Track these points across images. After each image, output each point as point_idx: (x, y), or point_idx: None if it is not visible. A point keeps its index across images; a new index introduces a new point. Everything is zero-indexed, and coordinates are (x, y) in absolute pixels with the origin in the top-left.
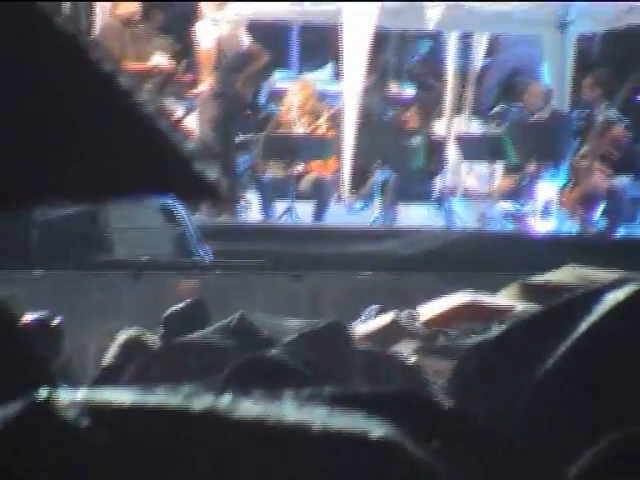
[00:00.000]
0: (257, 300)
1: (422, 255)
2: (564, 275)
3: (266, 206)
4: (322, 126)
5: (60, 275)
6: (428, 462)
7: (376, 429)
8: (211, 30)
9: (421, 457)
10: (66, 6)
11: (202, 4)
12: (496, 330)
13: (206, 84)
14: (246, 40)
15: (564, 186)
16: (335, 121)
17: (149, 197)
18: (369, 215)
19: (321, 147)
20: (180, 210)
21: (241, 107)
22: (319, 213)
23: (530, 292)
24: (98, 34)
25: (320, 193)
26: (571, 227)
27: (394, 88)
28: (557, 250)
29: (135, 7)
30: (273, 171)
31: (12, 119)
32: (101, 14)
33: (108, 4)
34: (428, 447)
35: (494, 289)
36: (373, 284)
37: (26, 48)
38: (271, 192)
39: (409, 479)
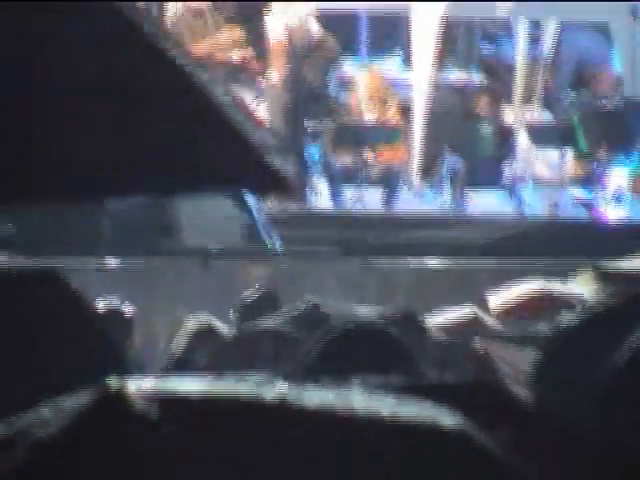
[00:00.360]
0: (327, 287)
1: (493, 242)
2: (638, 263)
3: (336, 193)
4: (391, 113)
5: (131, 263)
6: (499, 453)
7: (446, 419)
8: (281, 20)
9: (492, 448)
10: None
11: None
12: (568, 319)
13: (276, 73)
14: (315, 29)
15: (635, 173)
16: (404, 108)
17: (221, 187)
18: (439, 202)
19: (390, 134)
20: (250, 197)
21: (310, 95)
22: (389, 200)
23: (604, 280)
24: (170, 25)
25: (389, 180)
26: None
27: (464, 75)
28: (629, 237)
29: None
30: (343, 158)
31: (88, 110)
32: (173, 6)
33: None
34: (499, 438)
35: (566, 277)
36: (443, 271)
37: (101, 40)
38: (341, 179)
39: (479, 470)
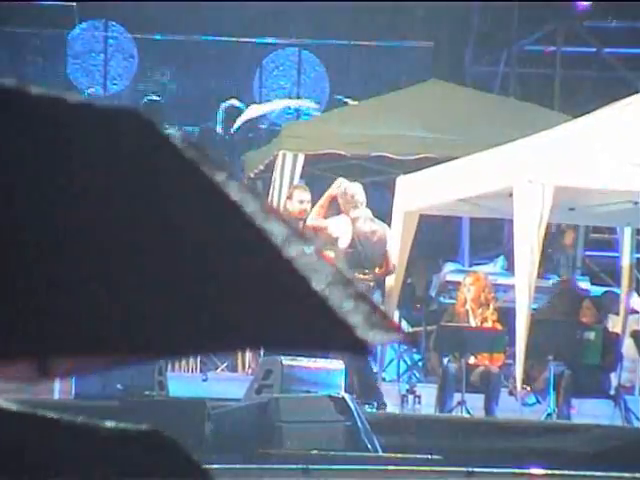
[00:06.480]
0: None
1: (598, 453)
2: None
3: (442, 398)
4: (489, 318)
5: (230, 467)
6: None
7: None
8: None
9: None
10: None
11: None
12: None
13: None
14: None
15: None
16: (505, 313)
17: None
18: (542, 410)
19: (492, 340)
20: (350, 402)
21: (413, 298)
22: (489, 406)
23: None
24: None
25: (488, 386)
26: None
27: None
28: None
29: None
30: (446, 363)
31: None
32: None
33: None
34: None
35: None
36: None
37: None
38: (446, 384)
39: None
